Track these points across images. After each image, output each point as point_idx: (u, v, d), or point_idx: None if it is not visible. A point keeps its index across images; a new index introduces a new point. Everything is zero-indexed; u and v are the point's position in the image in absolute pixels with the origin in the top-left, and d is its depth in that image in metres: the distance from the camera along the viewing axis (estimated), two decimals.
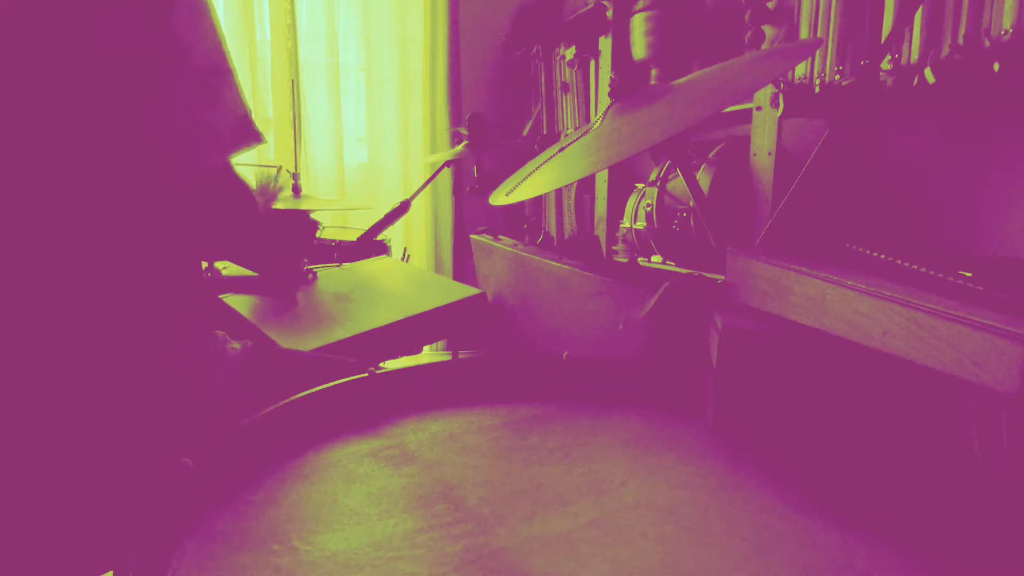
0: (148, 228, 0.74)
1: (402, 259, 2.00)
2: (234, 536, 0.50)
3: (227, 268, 1.53)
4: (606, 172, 2.13)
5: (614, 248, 1.84)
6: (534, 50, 2.61)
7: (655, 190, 1.58)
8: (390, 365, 0.81)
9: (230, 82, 0.75)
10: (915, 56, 1.02)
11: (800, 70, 1.22)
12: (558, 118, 2.50)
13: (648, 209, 1.59)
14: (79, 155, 0.67)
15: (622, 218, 1.74)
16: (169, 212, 0.76)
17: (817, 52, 1.17)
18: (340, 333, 1.20)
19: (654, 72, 1.76)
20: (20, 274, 0.67)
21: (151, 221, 0.74)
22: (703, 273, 1.22)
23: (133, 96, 0.68)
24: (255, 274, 1.44)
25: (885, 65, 1.06)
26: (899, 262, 0.61)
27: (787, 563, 0.45)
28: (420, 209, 2.82)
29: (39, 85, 0.65)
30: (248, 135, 0.77)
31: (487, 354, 1.79)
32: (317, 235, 1.97)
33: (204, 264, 1.47)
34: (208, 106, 0.72)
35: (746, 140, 1.44)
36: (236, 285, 1.44)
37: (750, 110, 1.40)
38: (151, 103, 0.69)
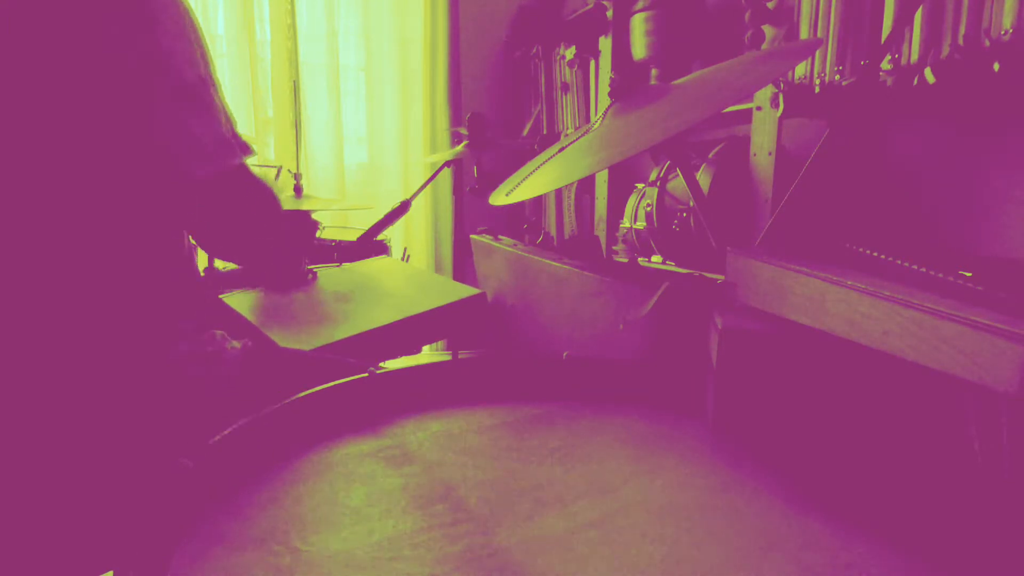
0: (143, 233, 0.75)
1: (402, 259, 2.01)
2: (234, 536, 0.50)
3: (226, 268, 1.53)
4: (606, 172, 2.13)
5: (614, 248, 1.84)
6: (534, 50, 2.61)
7: (655, 190, 1.58)
8: (390, 365, 0.81)
9: (215, 95, 0.75)
10: (915, 56, 1.02)
11: (800, 70, 1.22)
12: (558, 118, 2.50)
13: (648, 209, 1.60)
14: (65, 164, 0.67)
15: (622, 218, 1.74)
16: (163, 219, 0.76)
17: (817, 52, 1.17)
18: (340, 333, 1.20)
19: (654, 72, 1.76)
20: (17, 278, 0.67)
21: (145, 227, 0.74)
22: (703, 273, 1.22)
23: (117, 108, 0.68)
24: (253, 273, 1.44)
25: (885, 65, 1.06)
26: (899, 262, 0.61)
27: (787, 563, 0.45)
28: (420, 209, 2.82)
29: (24, 96, 0.65)
30: (234, 148, 0.77)
31: (487, 354, 1.79)
32: (317, 235, 1.97)
33: (203, 265, 1.47)
34: (193, 118, 0.72)
35: (746, 140, 1.44)
36: (237, 281, 1.43)
37: (750, 110, 1.41)
38: (135, 115, 0.69)
